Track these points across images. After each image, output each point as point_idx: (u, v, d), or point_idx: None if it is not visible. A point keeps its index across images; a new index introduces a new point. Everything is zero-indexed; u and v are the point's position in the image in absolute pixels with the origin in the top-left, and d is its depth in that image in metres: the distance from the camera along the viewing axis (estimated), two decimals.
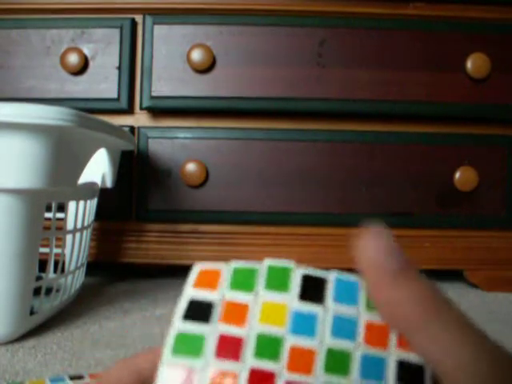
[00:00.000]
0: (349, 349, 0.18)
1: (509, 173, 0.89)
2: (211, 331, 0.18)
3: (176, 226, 0.89)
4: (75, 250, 0.69)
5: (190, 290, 0.20)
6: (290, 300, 0.19)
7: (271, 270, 0.20)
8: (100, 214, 0.83)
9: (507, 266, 0.90)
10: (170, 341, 0.18)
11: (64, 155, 0.55)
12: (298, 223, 0.88)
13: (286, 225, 0.89)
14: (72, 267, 0.70)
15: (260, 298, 0.19)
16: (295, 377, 0.17)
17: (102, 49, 0.87)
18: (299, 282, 0.19)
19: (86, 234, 0.73)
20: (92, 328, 0.62)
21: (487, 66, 0.86)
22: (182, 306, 0.19)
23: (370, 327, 0.18)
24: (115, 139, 0.66)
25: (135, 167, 0.88)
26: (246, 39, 0.87)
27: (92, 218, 0.76)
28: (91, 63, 0.87)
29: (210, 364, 0.18)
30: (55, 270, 0.76)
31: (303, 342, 0.18)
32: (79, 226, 0.70)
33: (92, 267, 0.91)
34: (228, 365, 0.18)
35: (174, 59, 0.87)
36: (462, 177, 0.87)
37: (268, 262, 0.20)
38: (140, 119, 0.89)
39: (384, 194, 0.88)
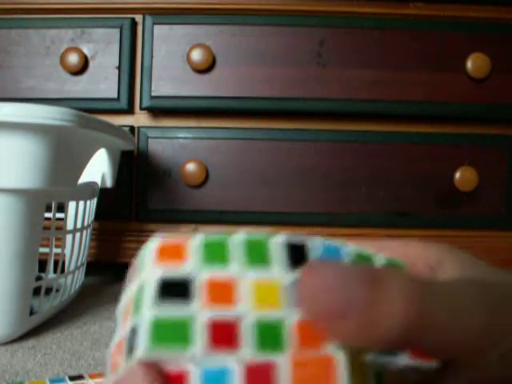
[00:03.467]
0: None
1: (509, 173, 0.89)
2: (196, 315, 0.15)
3: (176, 226, 0.89)
4: (75, 250, 0.69)
5: (153, 269, 0.16)
6: (281, 274, 0.16)
7: (248, 243, 0.17)
8: (100, 214, 0.83)
9: (507, 266, 0.90)
10: (142, 332, 0.15)
11: (64, 155, 0.55)
12: (298, 223, 0.88)
13: (286, 225, 0.89)
14: (72, 267, 0.70)
15: (245, 276, 0.16)
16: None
17: (102, 49, 0.87)
18: (284, 254, 0.16)
19: (86, 234, 0.73)
20: (92, 328, 0.62)
21: (487, 66, 0.86)
22: (149, 287, 0.15)
23: None
24: (115, 139, 0.66)
25: (135, 167, 0.88)
26: (246, 39, 0.87)
27: (92, 218, 0.76)
28: (91, 63, 0.87)
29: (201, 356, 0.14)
30: (55, 270, 0.76)
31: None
32: (79, 225, 0.70)
33: (92, 267, 0.91)
34: (221, 360, 0.14)
35: (174, 59, 0.87)
36: (462, 177, 0.87)
37: (241, 236, 0.17)
38: (140, 119, 0.89)
39: (384, 193, 0.88)
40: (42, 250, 0.59)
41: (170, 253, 0.16)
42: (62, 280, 0.67)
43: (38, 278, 0.59)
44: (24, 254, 0.54)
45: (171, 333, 0.15)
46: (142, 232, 0.89)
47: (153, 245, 0.17)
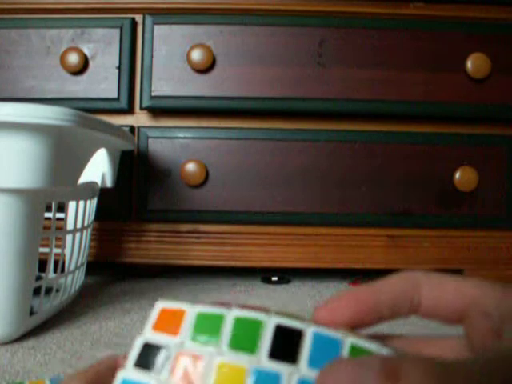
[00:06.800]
0: None
1: (509, 173, 0.89)
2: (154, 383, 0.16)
3: (176, 226, 0.89)
4: (75, 249, 0.69)
5: (148, 332, 0.18)
6: (255, 360, 0.16)
7: (239, 322, 0.17)
8: (100, 214, 0.83)
9: (507, 266, 0.90)
10: None
11: (64, 155, 0.55)
12: (298, 223, 0.88)
13: (286, 225, 0.89)
14: (72, 267, 0.70)
15: (219, 357, 0.16)
16: None
17: (102, 49, 0.87)
18: (270, 336, 0.16)
19: (86, 233, 0.73)
20: (92, 328, 0.62)
21: (487, 66, 0.86)
22: (135, 349, 0.17)
23: None
24: (115, 139, 0.66)
25: (135, 167, 0.88)
26: (246, 39, 0.87)
27: (92, 217, 0.76)
28: (91, 63, 0.87)
29: None
30: (55, 270, 0.76)
31: None
32: (79, 225, 0.70)
33: (92, 267, 0.91)
34: None
35: (174, 59, 0.87)
36: (462, 177, 0.87)
37: (235, 312, 0.17)
38: (140, 119, 0.89)
39: (384, 193, 0.88)
40: (41, 249, 0.59)
41: (167, 319, 0.18)
42: (62, 280, 0.67)
43: (38, 278, 0.59)
44: (24, 254, 0.54)
45: None
46: (141, 232, 0.89)
47: (158, 307, 0.18)
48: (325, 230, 0.89)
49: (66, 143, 0.55)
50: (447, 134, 0.89)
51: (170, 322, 0.18)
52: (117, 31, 0.87)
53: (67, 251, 0.69)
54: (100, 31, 0.87)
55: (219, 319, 0.17)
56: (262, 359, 0.16)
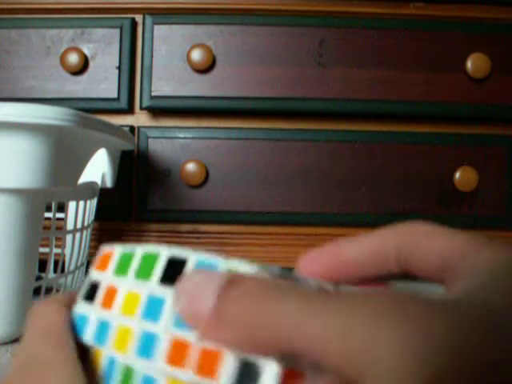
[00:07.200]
0: (189, 340, 0.17)
1: (509, 173, 0.89)
2: (92, 313, 0.20)
3: (176, 226, 0.89)
4: (75, 249, 0.69)
5: (92, 272, 0.22)
6: (149, 287, 0.19)
7: (144, 257, 0.20)
8: (100, 214, 0.83)
9: None
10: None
11: (64, 155, 0.55)
12: (297, 223, 0.88)
13: (286, 225, 0.89)
14: (72, 267, 0.70)
15: (126, 287, 0.20)
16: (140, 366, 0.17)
17: (102, 49, 0.87)
18: (162, 265, 0.19)
19: (86, 233, 0.73)
20: None
21: (487, 66, 0.86)
22: (84, 286, 0.21)
23: None
24: (115, 139, 0.66)
25: (135, 167, 0.88)
26: (246, 39, 0.87)
27: (92, 217, 0.76)
28: (91, 63, 0.87)
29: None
30: (55, 270, 0.76)
31: (148, 327, 0.18)
32: (79, 225, 0.70)
33: None
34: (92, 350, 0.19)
35: (173, 59, 0.87)
36: (462, 177, 0.87)
37: (143, 249, 0.20)
38: (140, 119, 0.89)
39: (384, 193, 0.88)
40: (41, 249, 0.59)
41: (104, 259, 0.21)
42: (62, 280, 0.67)
43: (38, 278, 0.59)
44: (24, 254, 0.54)
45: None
46: (141, 232, 0.89)
47: (101, 250, 0.22)
48: (325, 230, 0.89)
49: (66, 143, 0.55)
50: (447, 133, 0.89)
51: (104, 262, 0.21)
52: (117, 31, 0.87)
53: (67, 251, 0.69)
54: (100, 31, 0.87)
55: (131, 256, 0.20)
56: (153, 286, 0.19)
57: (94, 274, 0.21)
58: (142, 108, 0.87)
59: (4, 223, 0.52)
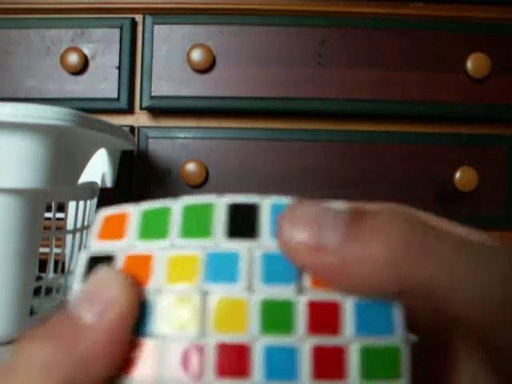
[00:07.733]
0: (290, 297, 0.14)
1: (509, 173, 0.89)
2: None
3: None
4: (75, 249, 0.69)
5: (93, 244, 0.16)
6: (210, 244, 0.14)
7: (188, 210, 0.15)
8: None
9: None
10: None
11: (64, 155, 0.55)
12: None
13: None
14: (72, 267, 0.70)
15: (169, 250, 0.15)
16: (222, 337, 0.13)
17: (102, 49, 0.87)
18: (223, 216, 0.15)
19: (86, 233, 0.73)
20: None
21: (487, 66, 0.86)
22: (80, 266, 0.15)
23: None
24: (115, 139, 0.66)
25: (135, 167, 0.88)
26: (246, 39, 0.87)
27: (92, 217, 0.76)
28: (91, 63, 0.87)
29: None
30: (55, 270, 0.76)
31: (225, 292, 0.14)
32: (79, 225, 0.70)
33: None
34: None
35: (173, 59, 0.87)
36: (462, 177, 0.87)
37: (183, 201, 0.15)
38: (140, 119, 0.89)
39: (384, 193, 0.88)
40: (42, 249, 0.59)
41: (111, 226, 0.16)
42: (62, 280, 0.66)
43: (38, 278, 0.59)
44: (24, 254, 0.54)
45: None
46: None
47: (100, 216, 0.17)
48: None
49: (66, 143, 0.55)
50: (447, 134, 0.89)
51: (114, 228, 0.16)
52: (117, 31, 0.87)
53: (67, 251, 0.69)
54: (100, 31, 0.87)
55: (166, 212, 0.15)
56: (218, 242, 0.14)
57: (99, 246, 0.16)
58: (141, 108, 0.87)
59: (4, 223, 0.52)
